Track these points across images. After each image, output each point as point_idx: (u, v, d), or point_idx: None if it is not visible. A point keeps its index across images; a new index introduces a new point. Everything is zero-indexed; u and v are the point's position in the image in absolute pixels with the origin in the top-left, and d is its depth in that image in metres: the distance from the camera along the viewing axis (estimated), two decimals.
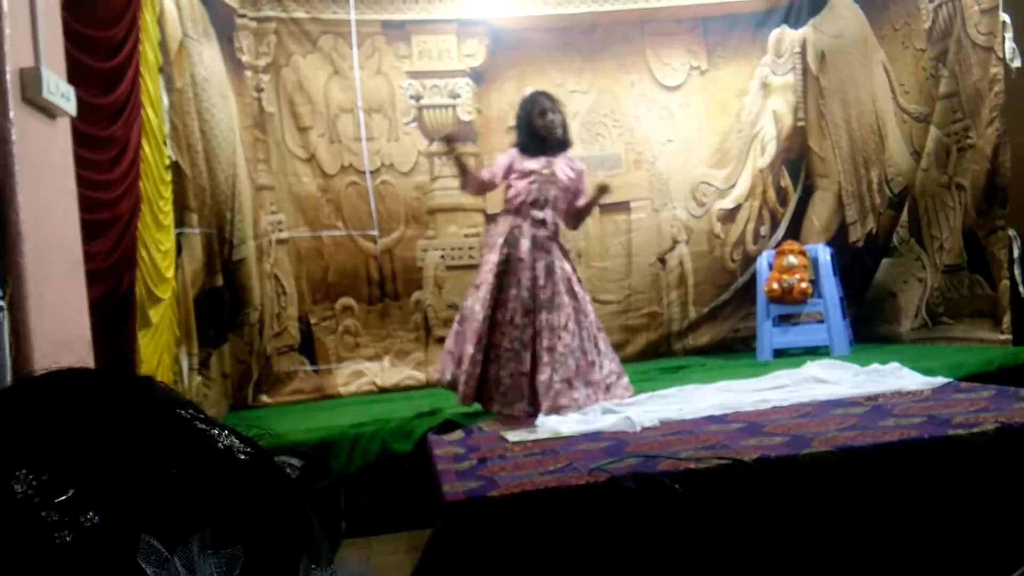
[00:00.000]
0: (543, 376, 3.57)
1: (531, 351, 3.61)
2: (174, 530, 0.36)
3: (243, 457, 0.41)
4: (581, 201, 3.93)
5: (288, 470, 0.45)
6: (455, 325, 3.85)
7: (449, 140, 3.90)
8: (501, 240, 3.72)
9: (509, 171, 3.83)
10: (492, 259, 3.70)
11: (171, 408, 0.41)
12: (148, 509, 0.36)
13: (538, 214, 3.77)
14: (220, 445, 0.40)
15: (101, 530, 0.35)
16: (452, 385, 3.72)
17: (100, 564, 0.34)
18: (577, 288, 3.78)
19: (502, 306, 3.65)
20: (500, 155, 4.03)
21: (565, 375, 3.58)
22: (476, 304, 3.67)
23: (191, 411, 0.42)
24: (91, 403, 0.40)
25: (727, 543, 2.27)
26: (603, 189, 3.85)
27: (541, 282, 3.67)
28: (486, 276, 3.69)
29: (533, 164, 3.80)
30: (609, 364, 3.78)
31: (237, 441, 0.42)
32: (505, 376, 3.61)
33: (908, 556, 2.30)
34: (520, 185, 3.78)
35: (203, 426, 0.41)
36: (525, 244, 3.70)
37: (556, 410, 3.49)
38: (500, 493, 2.29)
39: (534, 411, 3.54)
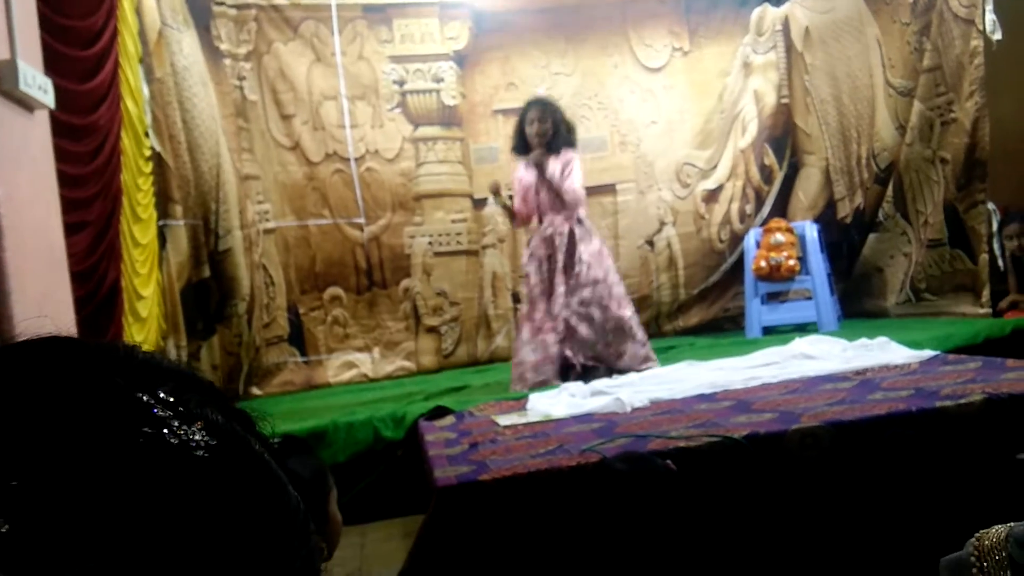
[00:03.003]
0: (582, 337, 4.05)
1: (565, 325, 4.09)
2: (83, 547, 0.32)
3: (201, 453, 0.35)
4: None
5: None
6: (525, 310, 4.23)
7: (495, 192, 4.29)
8: (535, 253, 4.17)
9: (524, 188, 4.19)
10: (531, 271, 4.16)
11: (128, 392, 0.36)
12: (62, 523, 0.32)
13: (549, 217, 4.15)
14: (173, 440, 0.35)
15: (10, 540, 0.31)
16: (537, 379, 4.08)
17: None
18: (596, 272, 4.14)
19: (550, 298, 4.11)
20: (514, 172, 4.37)
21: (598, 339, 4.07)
22: (536, 313, 4.13)
23: (162, 393, 0.37)
24: (22, 389, 0.35)
25: (718, 520, 2.28)
26: (493, 191, 4.28)
27: (571, 269, 4.11)
28: (534, 289, 4.15)
29: (530, 176, 4.18)
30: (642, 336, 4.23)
31: (199, 434, 0.36)
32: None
33: (898, 527, 2.31)
34: (529, 199, 4.18)
35: (163, 412, 0.36)
36: (554, 244, 4.11)
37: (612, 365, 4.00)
38: (491, 477, 2.30)
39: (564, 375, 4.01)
